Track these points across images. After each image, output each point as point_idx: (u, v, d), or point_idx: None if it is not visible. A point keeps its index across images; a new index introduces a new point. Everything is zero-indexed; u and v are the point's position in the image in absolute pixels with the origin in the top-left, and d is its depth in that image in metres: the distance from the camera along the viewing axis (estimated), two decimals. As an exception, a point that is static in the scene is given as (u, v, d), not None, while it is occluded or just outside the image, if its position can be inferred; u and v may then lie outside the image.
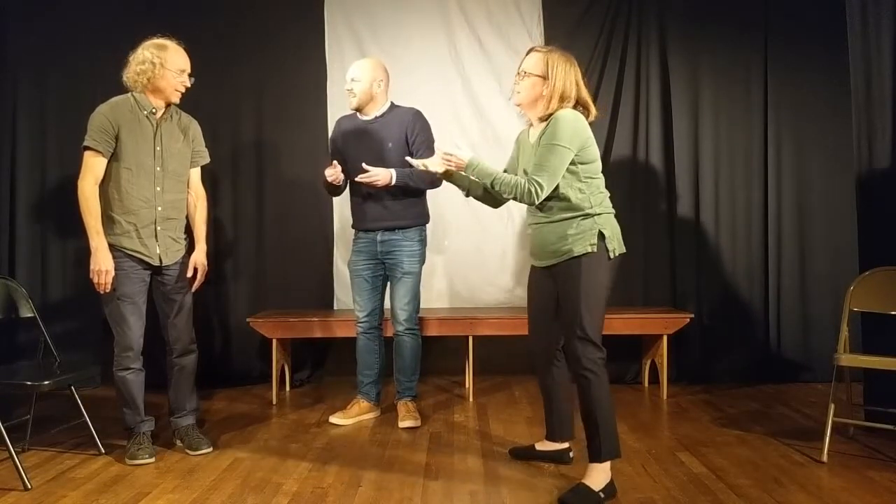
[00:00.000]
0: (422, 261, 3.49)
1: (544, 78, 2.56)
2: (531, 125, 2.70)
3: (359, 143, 3.41)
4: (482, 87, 4.46)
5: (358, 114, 3.46)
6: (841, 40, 3.63)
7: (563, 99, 2.54)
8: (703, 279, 4.35)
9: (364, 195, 3.40)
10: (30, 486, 2.62)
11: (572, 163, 2.50)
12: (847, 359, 2.90)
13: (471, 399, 3.96)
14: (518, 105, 2.70)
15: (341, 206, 4.21)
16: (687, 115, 4.37)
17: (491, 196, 2.80)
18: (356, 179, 3.27)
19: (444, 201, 4.42)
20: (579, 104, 2.59)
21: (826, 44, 4.25)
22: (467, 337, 4.01)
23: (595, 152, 2.58)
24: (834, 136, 4.29)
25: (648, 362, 4.21)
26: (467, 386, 4.06)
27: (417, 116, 3.46)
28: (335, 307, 4.39)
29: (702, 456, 2.94)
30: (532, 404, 3.85)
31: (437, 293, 4.49)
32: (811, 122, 4.35)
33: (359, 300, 3.52)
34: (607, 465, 2.49)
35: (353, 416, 3.52)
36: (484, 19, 4.47)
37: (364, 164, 3.24)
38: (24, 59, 4.25)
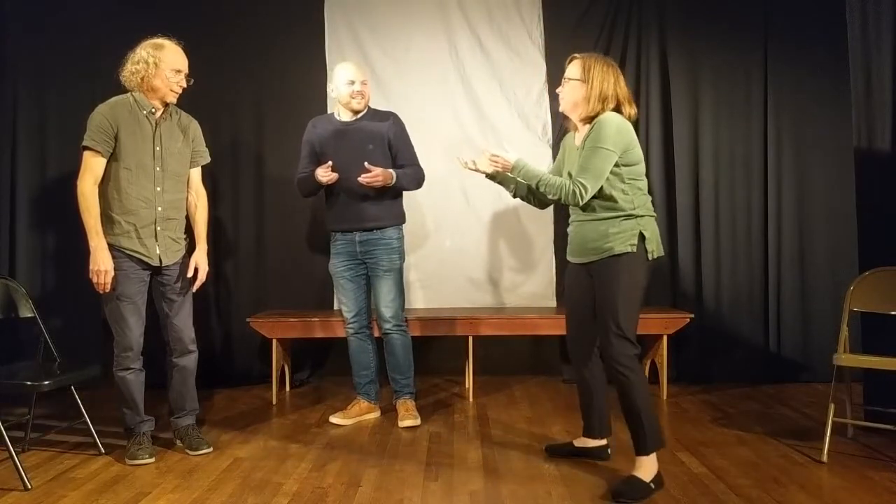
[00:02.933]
0: (402, 258, 3.52)
1: (583, 81, 2.60)
2: (576, 129, 2.75)
3: (340, 144, 3.41)
4: (482, 88, 4.46)
5: (337, 115, 3.49)
6: (841, 40, 3.63)
7: (603, 100, 2.59)
8: (703, 279, 4.35)
9: (345, 196, 3.40)
10: (30, 486, 2.62)
11: (616, 165, 2.55)
12: (847, 359, 2.90)
13: (471, 399, 3.96)
14: (562, 111, 2.75)
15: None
16: (687, 115, 4.37)
17: (536, 197, 2.89)
18: (359, 179, 3.27)
19: (444, 201, 4.43)
20: (620, 105, 2.62)
21: (826, 44, 4.25)
22: (467, 337, 4.01)
23: (638, 155, 2.62)
24: (834, 137, 4.29)
25: (648, 362, 4.20)
26: (467, 386, 4.06)
27: (396, 119, 3.52)
28: (335, 307, 4.39)
29: (702, 456, 2.94)
30: (532, 404, 3.85)
31: (437, 293, 4.48)
32: (811, 122, 4.35)
33: (345, 301, 3.53)
34: (654, 456, 2.55)
35: (354, 417, 3.52)
36: (484, 20, 4.47)
37: (367, 164, 3.27)
38: (24, 59, 4.25)
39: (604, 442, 2.90)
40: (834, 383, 2.96)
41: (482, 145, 4.32)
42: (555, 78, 4.34)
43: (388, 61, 4.46)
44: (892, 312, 3.05)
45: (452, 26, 4.47)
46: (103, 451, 3.03)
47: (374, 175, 3.26)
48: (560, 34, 4.39)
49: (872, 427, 3.08)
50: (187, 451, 3.05)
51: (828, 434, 2.88)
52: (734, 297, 4.36)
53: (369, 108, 3.50)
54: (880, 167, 3.33)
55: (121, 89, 2.98)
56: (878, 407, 3.16)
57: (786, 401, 3.89)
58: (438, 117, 4.43)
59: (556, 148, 4.40)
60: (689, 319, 4.00)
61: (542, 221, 4.45)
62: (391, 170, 3.34)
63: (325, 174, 3.31)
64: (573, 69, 2.66)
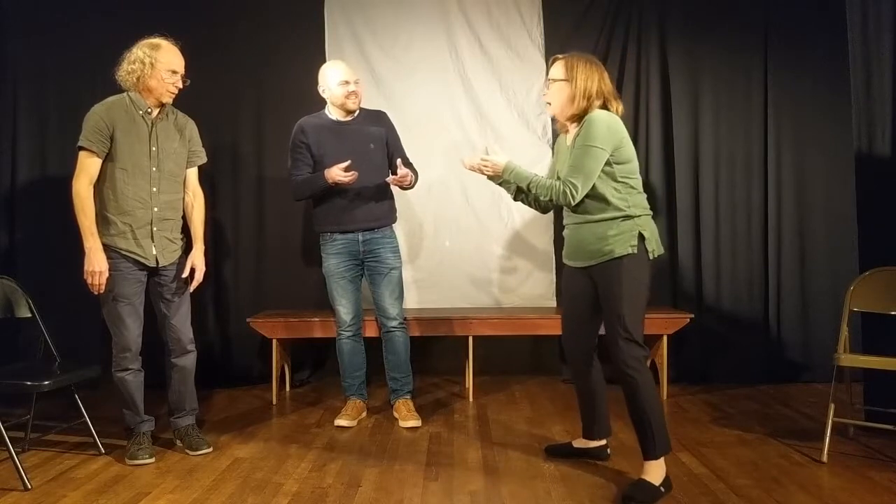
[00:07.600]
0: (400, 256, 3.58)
1: (567, 80, 2.58)
2: (566, 131, 2.72)
3: (340, 144, 3.40)
4: (482, 88, 4.45)
5: (330, 115, 3.48)
6: (841, 40, 3.63)
7: (588, 97, 2.56)
8: (703, 279, 4.34)
9: (347, 197, 3.39)
10: (30, 486, 2.63)
11: (608, 163, 2.52)
12: (847, 359, 2.90)
13: (471, 399, 3.96)
14: (551, 114, 2.73)
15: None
16: (687, 115, 4.37)
17: (537, 200, 2.82)
18: (392, 179, 3.33)
19: (444, 201, 4.43)
20: (606, 102, 2.59)
21: (826, 44, 4.24)
22: (467, 337, 4.00)
23: (630, 152, 2.58)
24: (834, 137, 4.29)
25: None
26: (467, 386, 4.06)
27: (388, 119, 3.57)
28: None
29: (702, 456, 2.94)
30: (532, 404, 3.85)
31: (437, 293, 4.48)
32: (811, 122, 4.34)
33: (345, 303, 3.50)
34: (662, 459, 2.53)
35: (356, 417, 3.53)
36: (484, 20, 4.46)
37: (399, 161, 3.32)
38: (24, 58, 4.25)
39: (603, 442, 2.90)
40: (834, 383, 2.96)
41: (481, 145, 4.36)
42: (555, 78, 4.35)
43: (388, 61, 4.46)
44: (892, 312, 3.05)
45: (452, 26, 4.46)
46: (103, 451, 3.04)
47: (405, 175, 3.30)
48: (560, 34, 4.38)
49: (872, 427, 3.08)
50: (187, 451, 3.05)
51: (828, 434, 2.88)
52: (734, 297, 4.36)
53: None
54: (880, 167, 3.33)
55: (120, 89, 2.97)
56: (878, 407, 3.16)
57: (786, 401, 3.89)
58: (438, 117, 4.43)
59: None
60: (689, 319, 4.00)
61: (542, 221, 4.45)
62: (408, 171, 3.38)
63: (346, 175, 3.24)
64: (556, 70, 2.63)
